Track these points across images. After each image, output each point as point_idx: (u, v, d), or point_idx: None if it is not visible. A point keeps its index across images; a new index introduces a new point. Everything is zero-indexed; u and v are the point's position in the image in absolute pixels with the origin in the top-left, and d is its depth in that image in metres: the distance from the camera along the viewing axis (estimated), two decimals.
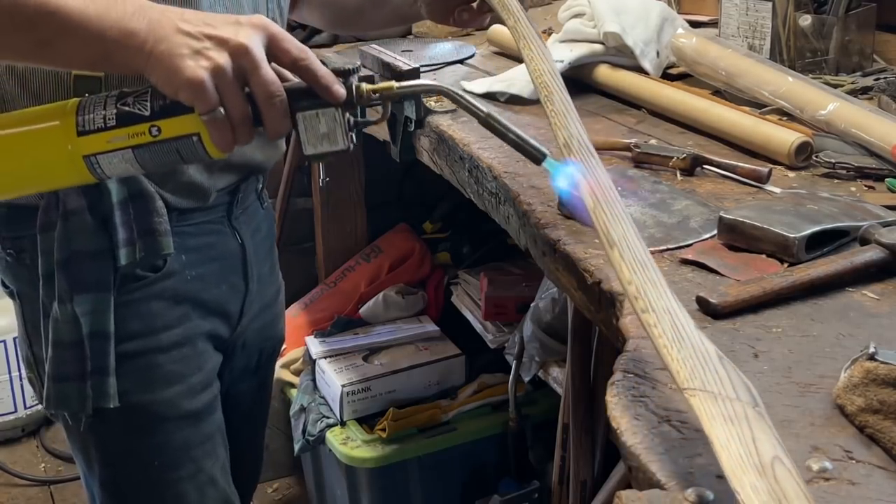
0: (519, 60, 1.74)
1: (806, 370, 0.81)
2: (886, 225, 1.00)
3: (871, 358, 0.72)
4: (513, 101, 1.57)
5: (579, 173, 0.88)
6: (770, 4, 1.60)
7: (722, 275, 0.97)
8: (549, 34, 1.77)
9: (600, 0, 1.61)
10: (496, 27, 1.91)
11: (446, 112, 1.53)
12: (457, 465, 2.07)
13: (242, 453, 1.43)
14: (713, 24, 1.80)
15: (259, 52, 0.89)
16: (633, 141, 1.30)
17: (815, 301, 0.92)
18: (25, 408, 2.80)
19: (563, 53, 1.59)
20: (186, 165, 1.15)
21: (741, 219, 1.02)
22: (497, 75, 1.66)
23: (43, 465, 2.75)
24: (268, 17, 1.24)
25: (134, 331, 1.18)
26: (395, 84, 0.95)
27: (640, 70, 1.57)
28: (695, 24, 1.74)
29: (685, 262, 1.01)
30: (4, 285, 1.24)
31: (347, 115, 0.93)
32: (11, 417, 2.80)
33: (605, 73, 1.59)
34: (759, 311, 0.90)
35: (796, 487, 0.57)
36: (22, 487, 2.66)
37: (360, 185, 2.48)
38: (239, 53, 0.89)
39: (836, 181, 1.21)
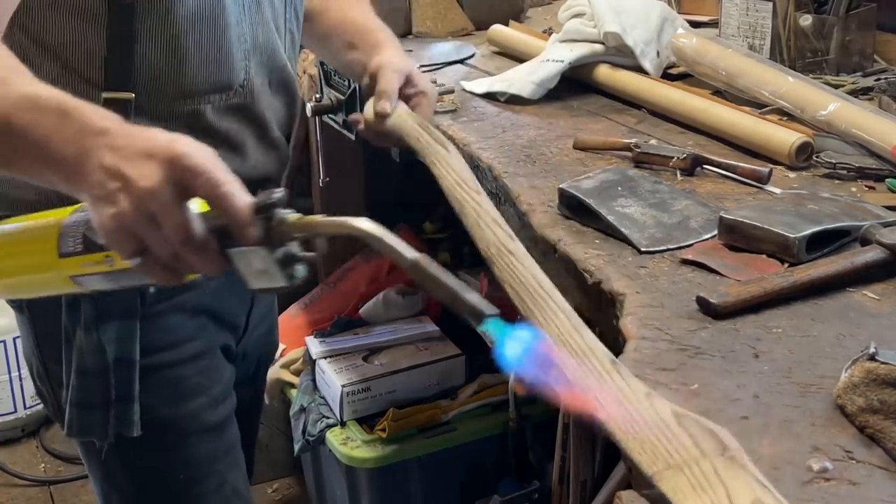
0: (520, 60, 1.74)
1: (806, 370, 0.81)
2: (887, 225, 1.00)
3: (872, 358, 0.72)
4: (513, 100, 1.57)
5: (535, 336, 0.73)
6: (770, 4, 1.60)
7: (722, 275, 0.97)
8: (550, 34, 1.77)
9: (600, 0, 1.61)
10: (497, 27, 1.91)
11: (446, 112, 1.53)
12: (457, 465, 2.07)
13: None
14: (713, 24, 1.80)
15: (163, 196, 0.79)
16: (633, 141, 1.30)
17: (816, 301, 0.92)
18: (25, 408, 2.80)
19: (563, 53, 1.59)
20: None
21: (741, 219, 1.02)
22: (497, 75, 1.66)
23: (43, 465, 2.75)
24: (285, 27, 1.22)
25: (158, 344, 1.17)
26: (318, 219, 0.84)
27: (640, 70, 1.57)
28: (695, 24, 1.74)
29: (685, 262, 1.01)
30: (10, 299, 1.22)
31: (281, 250, 0.83)
32: (11, 417, 2.79)
33: (605, 73, 1.59)
34: (760, 312, 0.90)
35: None
36: (22, 487, 2.66)
37: (360, 185, 2.48)
38: (143, 198, 0.79)
39: (836, 181, 1.21)
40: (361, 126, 1.23)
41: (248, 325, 1.32)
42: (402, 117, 1.15)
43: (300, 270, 0.84)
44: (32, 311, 1.19)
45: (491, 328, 0.74)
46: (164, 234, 0.80)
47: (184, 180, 0.79)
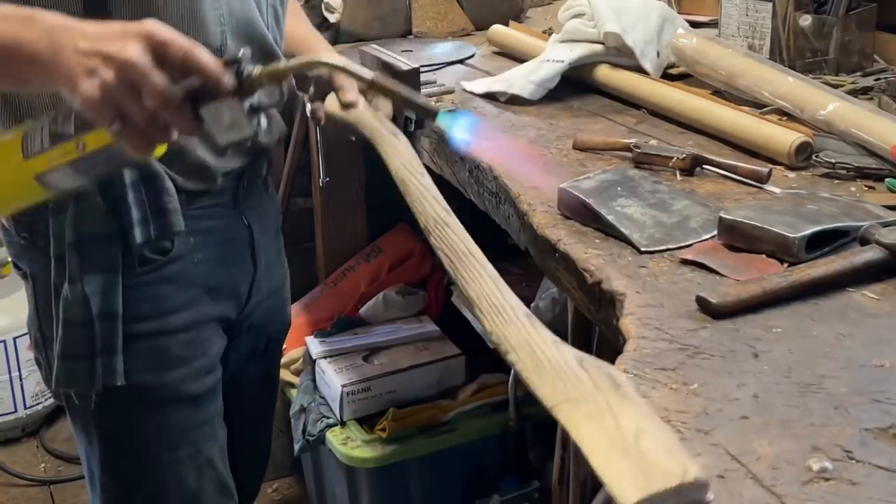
0: (520, 60, 1.74)
1: (806, 370, 0.81)
2: (886, 225, 1.00)
3: None
4: (513, 100, 1.57)
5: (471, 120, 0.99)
6: (770, 4, 1.60)
7: (722, 275, 0.97)
8: (550, 34, 1.78)
9: (600, 0, 1.61)
10: (497, 27, 1.91)
11: (447, 112, 1.53)
12: (457, 465, 2.07)
13: (250, 441, 1.45)
14: (713, 24, 1.80)
15: (142, 63, 0.90)
16: (633, 141, 1.30)
17: (815, 301, 0.92)
18: (25, 408, 2.80)
19: (563, 53, 1.59)
20: (194, 146, 1.20)
21: (741, 219, 1.02)
22: (497, 75, 1.66)
23: (43, 465, 2.75)
24: (266, 2, 1.27)
25: (143, 313, 1.21)
26: (280, 64, 0.97)
27: (640, 70, 1.57)
28: (695, 24, 1.74)
29: (685, 262, 1.01)
30: (17, 267, 1.28)
31: (249, 100, 0.95)
32: (11, 417, 2.79)
33: (605, 73, 1.59)
34: (760, 311, 0.90)
35: (661, 450, 0.60)
36: (22, 487, 2.66)
37: (360, 185, 2.48)
38: (124, 68, 0.90)
39: (836, 181, 1.21)
40: (321, 115, 1.31)
41: (251, 294, 1.35)
42: (361, 111, 1.25)
43: (265, 121, 0.98)
44: (34, 279, 1.24)
45: (443, 120, 0.98)
46: (143, 99, 0.91)
47: (158, 50, 0.91)
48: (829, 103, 1.31)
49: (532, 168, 1.28)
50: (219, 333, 1.31)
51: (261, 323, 1.40)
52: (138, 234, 1.17)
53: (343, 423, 2.06)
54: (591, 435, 0.63)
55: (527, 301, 1.89)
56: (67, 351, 1.18)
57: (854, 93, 1.45)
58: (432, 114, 0.96)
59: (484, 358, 2.15)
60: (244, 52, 0.94)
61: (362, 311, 2.33)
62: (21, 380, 2.74)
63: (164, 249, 1.22)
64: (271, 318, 1.43)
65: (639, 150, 1.27)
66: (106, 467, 1.29)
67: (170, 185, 1.18)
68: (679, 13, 1.83)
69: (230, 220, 1.30)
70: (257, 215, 1.35)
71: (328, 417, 2.09)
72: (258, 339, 1.42)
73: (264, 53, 1.24)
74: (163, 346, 1.24)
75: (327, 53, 1.35)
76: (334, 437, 2.03)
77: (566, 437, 1.56)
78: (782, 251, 0.98)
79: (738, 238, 1.02)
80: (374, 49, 1.57)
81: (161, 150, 0.99)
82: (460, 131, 0.98)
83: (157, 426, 1.26)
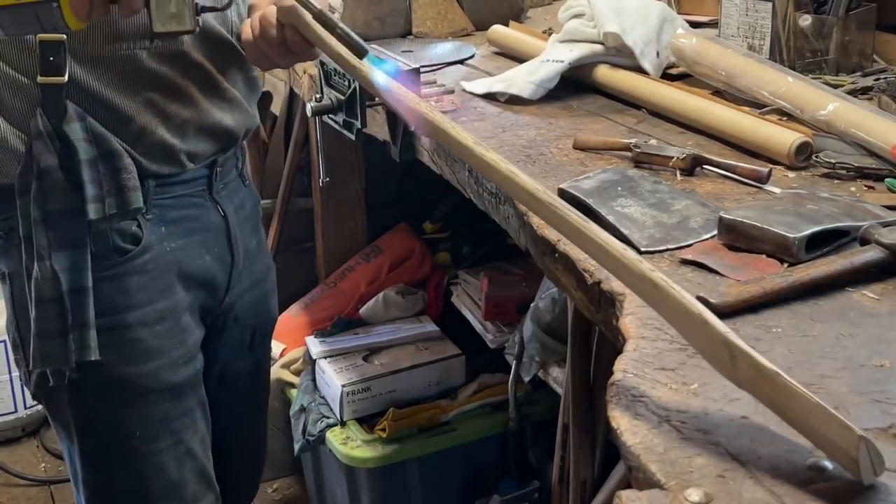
0: (520, 61, 1.74)
1: (806, 370, 0.81)
2: (886, 225, 1.00)
3: None
4: (513, 100, 1.57)
5: (396, 68, 1.14)
6: (770, 4, 1.60)
7: (722, 275, 0.97)
8: (549, 34, 1.78)
9: (600, 0, 1.61)
10: (497, 28, 1.91)
11: (446, 113, 1.53)
12: (457, 465, 2.07)
13: (244, 437, 1.44)
14: (713, 24, 1.80)
15: None
16: (633, 141, 1.30)
17: (815, 301, 0.92)
18: (25, 408, 2.80)
19: (563, 53, 1.59)
20: (154, 127, 1.20)
21: (741, 219, 1.02)
22: (497, 75, 1.66)
23: (43, 465, 2.75)
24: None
25: (116, 305, 1.22)
26: None
27: (640, 70, 1.57)
28: (695, 25, 1.74)
29: (685, 262, 1.01)
30: None
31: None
32: (11, 417, 2.80)
33: (605, 73, 1.59)
34: (759, 311, 0.90)
35: None
36: (22, 487, 2.66)
37: (360, 185, 2.48)
38: None
39: (836, 181, 1.21)
40: (254, 31, 1.21)
41: (230, 285, 1.36)
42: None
43: (207, 19, 1.06)
44: (12, 277, 1.25)
45: (371, 62, 1.11)
46: None
47: None
48: (828, 103, 1.31)
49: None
50: (196, 322, 1.31)
51: (245, 315, 1.40)
52: (91, 211, 1.17)
53: (343, 423, 2.06)
54: None
55: (527, 301, 1.90)
56: (41, 329, 1.19)
57: (854, 93, 1.45)
58: (363, 52, 1.10)
59: (484, 358, 2.15)
60: None
61: (362, 311, 2.34)
62: (21, 380, 2.74)
63: (135, 238, 1.23)
64: (256, 311, 1.43)
65: (639, 150, 1.27)
66: (86, 462, 1.29)
67: (128, 162, 1.19)
68: (679, 13, 1.83)
69: (204, 210, 1.32)
70: (234, 206, 1.36)
71: (328, 417, 2.09)
72: (244, 332, 1.42)
73: (219, 44, 1.26)
74: (137, 338, 1.24)
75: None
76: (334, 437, 2.03)
77: (566, 437, 1.56)
78: (782, 251, 0.98)
79: (738, 238, 1.02)
80: (375, 49, 1.57)
81: (81, 25, 1.04)
82: (384, 75, 1.11)
83: (137, 417, 1.26)
